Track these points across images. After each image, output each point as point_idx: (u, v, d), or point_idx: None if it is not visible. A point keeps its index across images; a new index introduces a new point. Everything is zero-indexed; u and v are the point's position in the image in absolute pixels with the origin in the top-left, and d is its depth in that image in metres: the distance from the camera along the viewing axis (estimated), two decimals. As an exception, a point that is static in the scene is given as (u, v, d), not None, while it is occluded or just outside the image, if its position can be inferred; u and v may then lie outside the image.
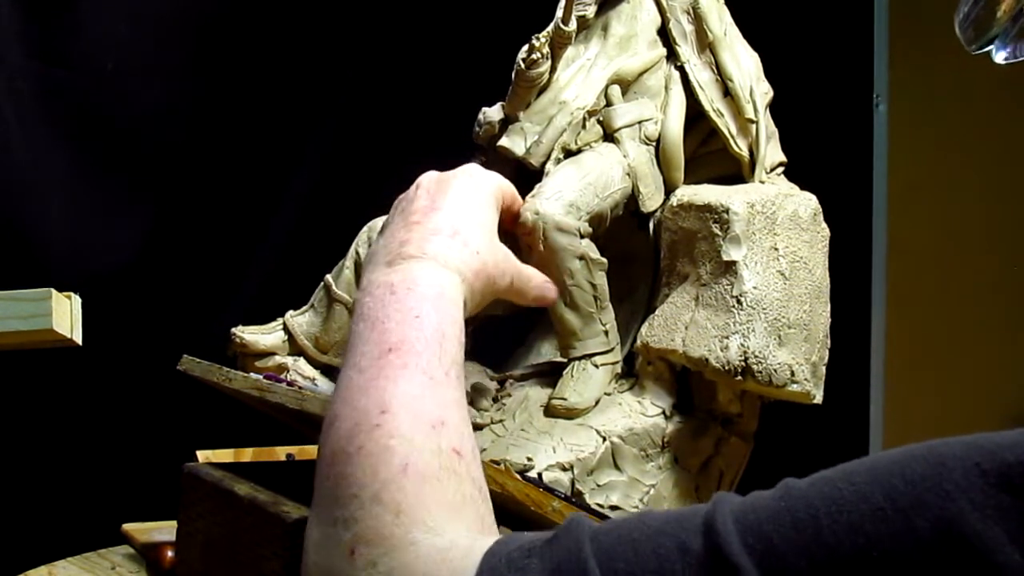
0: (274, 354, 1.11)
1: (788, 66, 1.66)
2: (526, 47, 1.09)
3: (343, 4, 1.66)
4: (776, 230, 1.08)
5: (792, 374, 1.04)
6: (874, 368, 1.67)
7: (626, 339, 1.14)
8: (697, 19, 1.16)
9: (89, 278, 1.41)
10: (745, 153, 1.15)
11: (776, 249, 1.07)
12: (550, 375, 1.11)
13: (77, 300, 1.00)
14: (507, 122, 1.12)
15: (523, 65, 1.08)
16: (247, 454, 1.16)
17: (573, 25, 1.09)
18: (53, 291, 0.97)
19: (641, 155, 1.12)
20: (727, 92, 1.15)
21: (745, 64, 1.17)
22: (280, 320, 1.13)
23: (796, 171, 1.64)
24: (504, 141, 1.10)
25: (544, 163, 1.10)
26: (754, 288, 1.04)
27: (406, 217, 0.79)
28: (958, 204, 1.65)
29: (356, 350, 0.67)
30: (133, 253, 1.57)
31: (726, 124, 1.14)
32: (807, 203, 1.12)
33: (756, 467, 1.57)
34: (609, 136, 1.12)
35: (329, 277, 1.12)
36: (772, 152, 1.20)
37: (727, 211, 1.06)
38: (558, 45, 1.09)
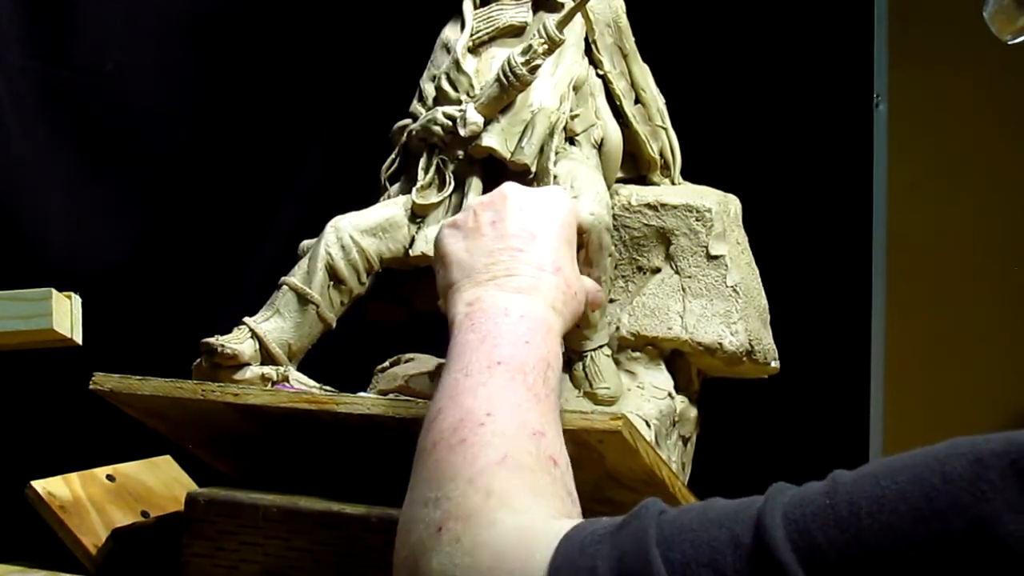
0: (248, 364, 1.08)
1: (788, 66, 1.66)
2: (521, 51, 1.12)
3: (345, 5, 1.67)
4: (732, 227, 1.19)
5: (776, 354, 1.18)
6: (874, 368, 1.67)
7: None
8: (618, 32, 1.22)
9: (89, 278, 1.41)
10: (658, 157, 1.23)
11: (739, 243, 1.19)
12: None
13: (77, 300, 1.00)
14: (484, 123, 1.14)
15: (524, 69, 1.11)
16: (73, 480, 1.13)
17: (565, 34, 1.13)
18: (53, 291, 0.97)
19: (595, 158, 1.17)
20: (636, 100, 1.23)
21: (649, 76, 1.25)
22: (245, 328, 1.08)
23: (796, 171, 1.64)
24: (489, 142, 1.12)
25: (535, 163, 1.12)
26: (742, 279, 1.16)
27: (504, 238, 0.82)
28: (958, 204, 1.65)
29: (464, 356, 0.73)
30: (133, 253, 1.57)
31: (642, 130, 1.22)
32: (736, 203, 1.22)
33: (755, 465, 1.57)
34: (571, 140, 1.16)
35: (295, 280, 1.10)
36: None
37: (709, 211, 1.17)
38: (546, 52, 1.13)
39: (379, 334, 1.24)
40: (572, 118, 1.16)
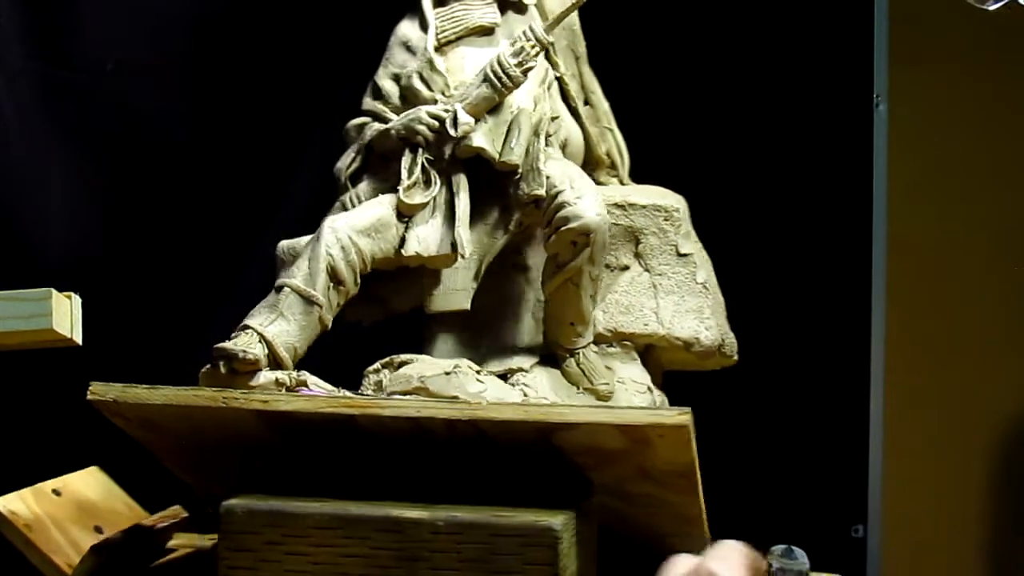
0: (259, 369, 1.05)
1: (788, 66, 1.66)
2: (513, 52, 1.12)
3: (344, 5, 1.67)
4: (687, 226, 1.22)
5: (737, 346, 1.21)
6: (874, 369, 1.66)
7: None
8: (572, 35, 1.23)
9: (88, 277, 1.41)
10: (605, 157, 1.25)
11: (698, 242, 1.22)
12: (542, 363, 1.16)
13: (77, 300, 1.00)
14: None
15: (517, 71, 1.11)
16: (27, 496, 1.09)
17: (552, 36, 1.14)
18: (53, 291, 0.97)
19: (560, 157, 1.17)
20: (586, 102, 1.24)
21: (595, 80, 1.26)
22: (253, 332, 1.06)
23: (796, 171, 1.64)
24: (479, 142, 1.12)
25: (522, 162, 1.12)
26: (708, 276, 1.20)
27: None
28: (958, 204, 1.65)
29: None
30: (133, 253, 1.57)
31: (592, 131, 1.23)
32: (684, 202, 1.24)
33: (754, 465, 1.57)
34: (545, 140, 1.16)
35: (297, 282, 1.08)
36: None
37: (677, 210, 1.20)
38: (536, 54, 1.14)
39: (354, 336, 1.21)
40: (552, 119, 1.17)
